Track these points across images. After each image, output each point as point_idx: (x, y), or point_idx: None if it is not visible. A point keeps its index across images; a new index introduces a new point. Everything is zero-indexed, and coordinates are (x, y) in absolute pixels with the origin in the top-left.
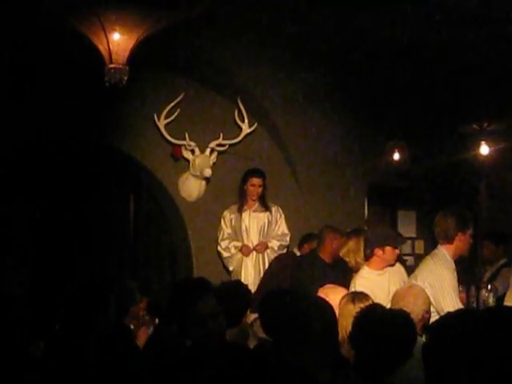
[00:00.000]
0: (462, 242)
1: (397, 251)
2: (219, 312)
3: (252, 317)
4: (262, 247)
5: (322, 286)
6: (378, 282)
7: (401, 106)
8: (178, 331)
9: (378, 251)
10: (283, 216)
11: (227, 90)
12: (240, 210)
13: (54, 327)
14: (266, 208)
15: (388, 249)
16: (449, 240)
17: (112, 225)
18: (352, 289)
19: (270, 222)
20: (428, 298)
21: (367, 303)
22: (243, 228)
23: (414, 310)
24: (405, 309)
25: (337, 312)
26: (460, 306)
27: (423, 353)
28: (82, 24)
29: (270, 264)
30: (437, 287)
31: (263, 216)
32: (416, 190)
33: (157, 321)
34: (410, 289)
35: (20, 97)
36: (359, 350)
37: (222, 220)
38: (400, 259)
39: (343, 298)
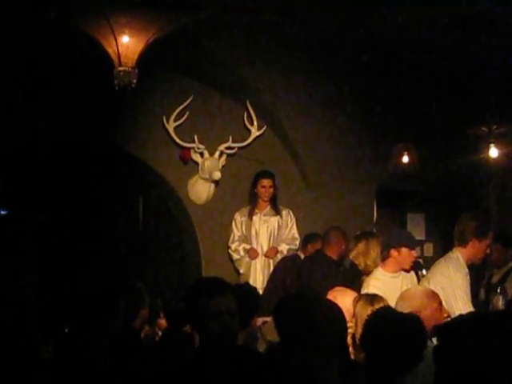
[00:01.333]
0: (475, 248)
1: (413, 253)
2: (236, 312)
3: (260, 320)
4: (271, 253)
5: (332, 285)
6: (392, 284)
7: (409, 109)
8: (191, 328)
9: (394, 252)
10: (294, 220)
11: (236, 92)
12: (251, 214)
13: (63, 329)
14: (277, 212)
15: (404, 250)
16: (462, 243)
17: (121, 227)
18: (365, 290)
19: (280, 226)
20: (427, 300)
21: (383, 305)
22: (253, 232)
23: (417, 312)
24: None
25: (346, 315)
26: (472, 309)
27: (434, 355)
28: (92, 27)
29: (275, 267)
30: (449, 290)
31: (274, 220)
32: (425, 193)
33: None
34: (406, 292)
35: (29, 99)
36: (370, 352)
37: (233, 222)
38: (417, 264)
39: (358, 300)
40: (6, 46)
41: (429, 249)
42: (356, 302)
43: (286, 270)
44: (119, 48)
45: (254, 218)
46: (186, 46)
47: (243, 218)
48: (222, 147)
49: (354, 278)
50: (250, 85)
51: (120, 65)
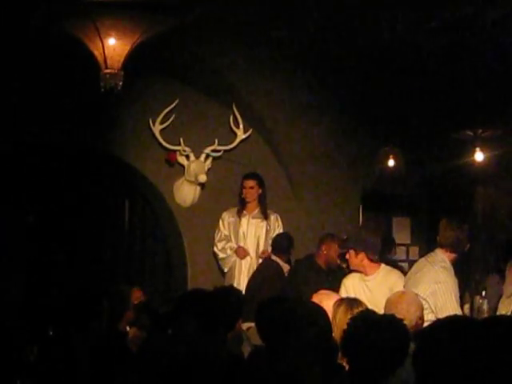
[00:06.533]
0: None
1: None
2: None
3: (244, 326)
4: (266, 255)
5: (316, 290)
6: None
7: (395, 113)
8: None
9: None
10: (281, 225)
11: (222, 95)
12: (239, 215)
13: (47, 332)
14: (265, 216)
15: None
16: (454, 249)
17: (106, 230)
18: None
19: (268, 231)
20: (421, 305)
21: (362, 309)
22: (241, 233)
23: (407, 316)
24: (398, 316)
25: (331, 318)
26: (461, 312)
27: (413, 359)
28: (78, 29)
29: (255, 273)
30: (439, 295)
31: (262, 224)
32: (411, 197)
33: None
34: (402, 295)
35: (14, 102)
36: (351, 356)
37: (221, 221)
38: (395, 265)
39: (338, 306)
40: None
41: (414, 252)
42: (336, 306)
43: (266, 273)
44: (105, 50)
45: (243, 219)
46: (172, 48)
47: (231, 219)
48: (207, 150)
49: (339, 282)
50: (235, 88)
51: (106, 67)
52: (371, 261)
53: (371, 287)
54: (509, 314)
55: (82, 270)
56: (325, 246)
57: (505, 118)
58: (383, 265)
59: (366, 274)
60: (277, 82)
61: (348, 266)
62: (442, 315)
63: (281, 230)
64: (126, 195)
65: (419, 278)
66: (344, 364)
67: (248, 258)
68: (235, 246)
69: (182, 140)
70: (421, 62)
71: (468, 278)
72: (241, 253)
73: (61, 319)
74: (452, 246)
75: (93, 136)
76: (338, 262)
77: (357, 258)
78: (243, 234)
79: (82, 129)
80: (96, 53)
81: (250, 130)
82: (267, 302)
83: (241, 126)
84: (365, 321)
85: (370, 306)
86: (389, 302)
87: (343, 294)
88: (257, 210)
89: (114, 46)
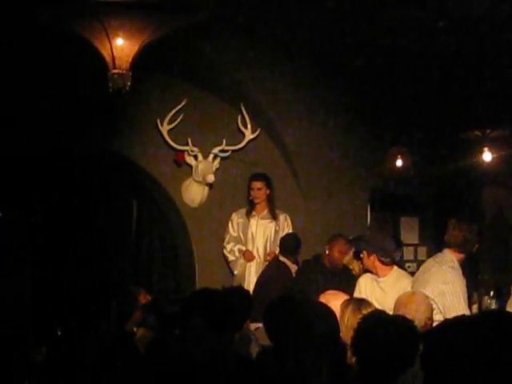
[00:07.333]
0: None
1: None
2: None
3: (253, 327)
4: (272, 257)
5: (323, 290)
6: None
7: (403, 113)
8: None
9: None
10: (291, 226)
11: (230, 95)
12: (248, 215)
13: (56, 333)
14: (274, 216)
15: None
16: (462, 249)
17: (114, 230)
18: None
19: (277, 231)
20: (431, 305)
21: (370, 310)
22: (249, 235)
23: (417, 317)
24: (407, 316)
25: (338, 318)
26: (469, 312)
27: (421, 360)
28: (86, 30)
29: (263, 272)
30: (447, 296)
31: (271, 225)
32: (419, 197)
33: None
34: (412, 296)
35: (22, 102)
36: (361, 356)
37: (230, 222)
38: (400, 266)
39: (346, 306)
40: None
41: (422, 252)
42: (344, 307)
43: (274, 274)
44: (113, 50)
45: (252, 220)
46: (180, 48)
47: (240, 220)
48: (215, 150)
49: (346, 283)
50: (244, 88)
51: (114, 67)
52: (383, 263)
53: (383, 288)
54: None
55: (89, 271)
56: (333, 247)
57: None
58: (396, 267)
59: (378, 276)
60: (285, 82)
61: (363, 266)
62: (450, 315)
63: (290, 230)
64: (134, 195)
65: (427, 278)
66: (353, 364)
67: (256, 260)
68: (243, 248)
69: (189, 140)
70: (429, 61)
71: (476, 278)
72: (248, 256)
73: (69, 320)
74: (460, 246)
75: (100, 136)
76: (345, 262)
77: (369, 260)
78: (252, 234)
79: (90, 129)
80: (104, 53)
81: (258, 130)
82: (275, 302)
83: (249, 126)
84: (375, 321)
85: (381, 307)
86: (398, 303)
87: (357, 293)
88: (266, 211)
89: (122, 46)
